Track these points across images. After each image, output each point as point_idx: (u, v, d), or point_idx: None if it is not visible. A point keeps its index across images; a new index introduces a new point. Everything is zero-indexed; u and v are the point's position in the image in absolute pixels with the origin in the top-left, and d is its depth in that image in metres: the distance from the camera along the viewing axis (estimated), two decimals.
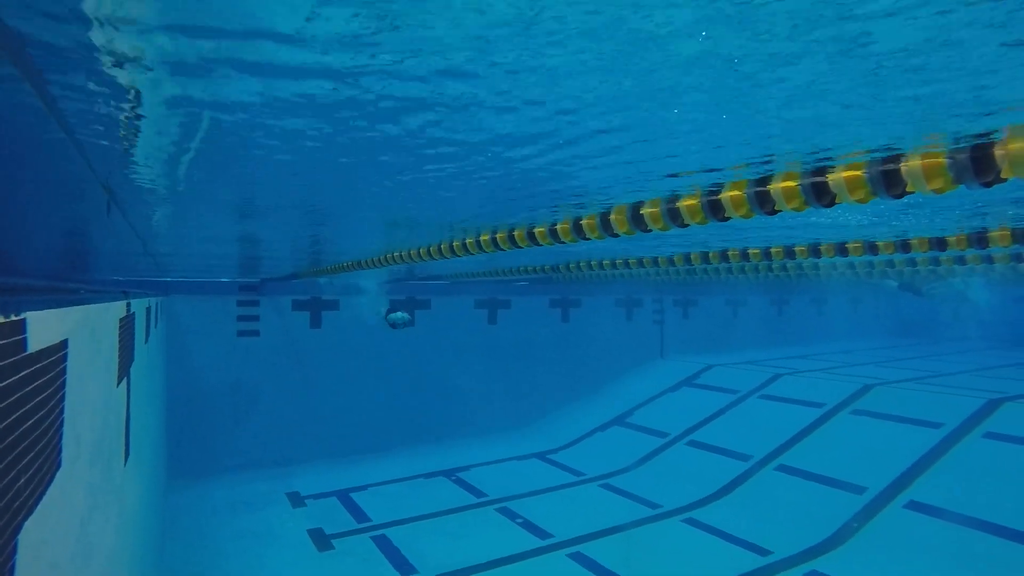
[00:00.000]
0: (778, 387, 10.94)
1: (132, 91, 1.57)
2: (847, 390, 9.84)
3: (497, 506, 8.19)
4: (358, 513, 8.01)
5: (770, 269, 6.37)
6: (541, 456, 10.57)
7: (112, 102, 1.66)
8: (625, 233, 3.41)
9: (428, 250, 5.04)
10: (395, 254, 5.58)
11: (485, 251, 4.60)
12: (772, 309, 17.49)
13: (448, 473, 9.68)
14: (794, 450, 8.70)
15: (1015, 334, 16.35)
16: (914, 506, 6.80)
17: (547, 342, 13.05)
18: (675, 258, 6.10)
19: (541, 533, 7.20)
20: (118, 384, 3.08)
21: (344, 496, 8.67)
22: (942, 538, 6.21)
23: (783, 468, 8.37)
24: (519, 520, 7.66)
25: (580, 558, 6.54)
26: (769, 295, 16.84)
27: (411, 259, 5.46)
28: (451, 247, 4.77)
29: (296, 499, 8.52)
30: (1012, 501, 6.32)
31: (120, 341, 3.11)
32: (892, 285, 11.99)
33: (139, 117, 1.80)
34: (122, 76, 1.46)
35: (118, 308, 3.14)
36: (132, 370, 3.74)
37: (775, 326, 17.18)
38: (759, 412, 10.32)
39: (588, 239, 3.62)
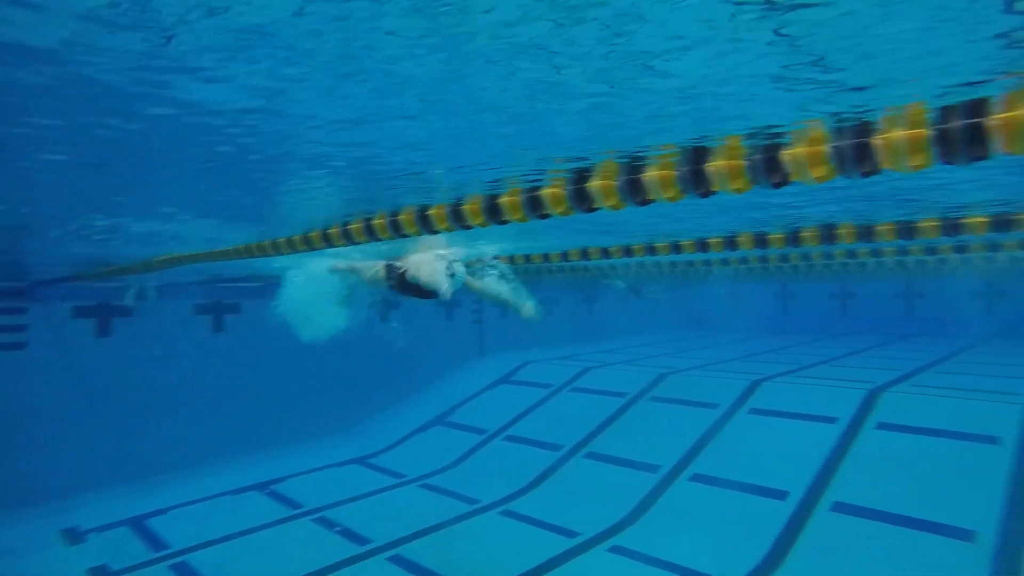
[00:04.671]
0: (587, 380, 11.76)
1: None
2: (646, 379, 10.86)
3: (314, 516, 7.90)
4: (154, 541, 7.26)
5: (573, 270, 6.90)
6: (361, 461, 10.36)
7: None
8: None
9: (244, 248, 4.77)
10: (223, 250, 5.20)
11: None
12: (583, 307, 18.73)
13: (261, 487, 9.13)
14: (600, 437, 9.42)
15: (773, 324, 19.24)
16: (696, 478, 7.72)
17: (365, 343, 12.80)
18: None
19: (360, 540, 7.08)
20: None
21: (137, 524, 7.80)
22: (719, 503, 7.13)
23: (591, 455, 9.03)
24: (337, 529, 7.46)
25: (399, 561, 6.53)
26: (580, 293, 18.04)
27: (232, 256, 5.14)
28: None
29: (74, 535, 7.49)
30: (770, 465, 7.45)
31: None
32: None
33: None
34: None
35: None
36: None
37: (586, 323, 18.40)
38: (570, 404, 11.02)
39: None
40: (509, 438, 10.26)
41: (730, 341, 16.68)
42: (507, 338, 15.67)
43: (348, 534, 7.28)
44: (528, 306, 6.36)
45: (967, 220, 5.09)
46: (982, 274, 14.38)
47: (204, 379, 10.52)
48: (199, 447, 10.03)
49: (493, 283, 6.60)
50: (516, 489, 8.37)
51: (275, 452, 10.61)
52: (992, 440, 6.80)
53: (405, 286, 5.92)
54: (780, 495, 6.90)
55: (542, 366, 13.11)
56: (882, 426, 7.73)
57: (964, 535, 5.66)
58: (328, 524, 7.62)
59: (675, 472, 7.89)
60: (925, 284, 17.42)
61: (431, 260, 5.79)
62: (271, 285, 10.81)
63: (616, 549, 6.59)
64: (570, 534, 6.91)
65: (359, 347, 12.53)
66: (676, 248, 6.41)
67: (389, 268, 6.18)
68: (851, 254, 9.08)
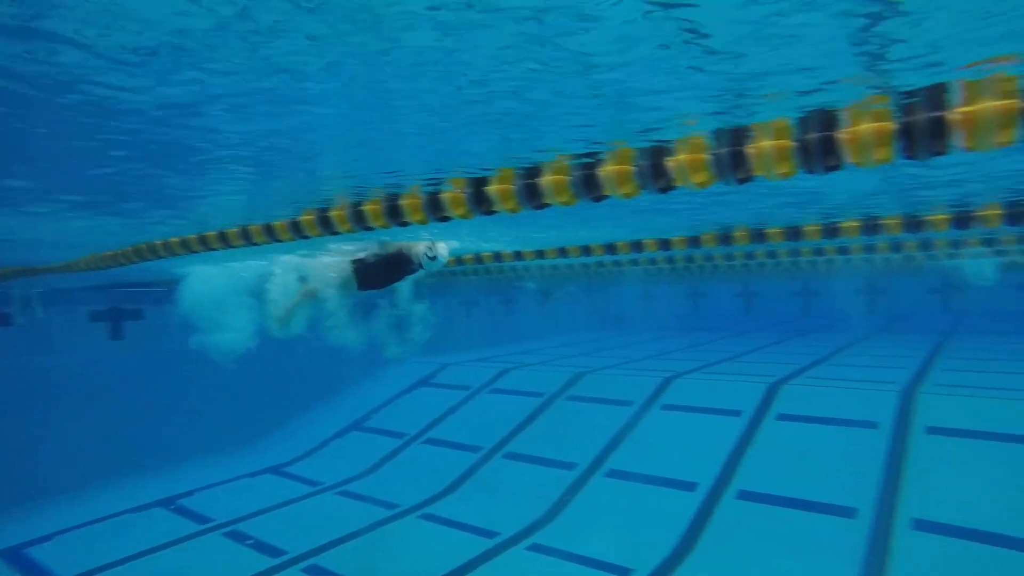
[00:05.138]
0: (506, 381, 11.87)
1: None
2: (563, 379, 11.08)
3: (225, 530, 7.57)
4: (36, 571, 6.75)
5: (489, 272, 7.01)
6: (275, 470, 10.02)
7: None
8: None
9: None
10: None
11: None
12: (501, 308, 18.87)
13: (166, 503, 8.66)
14: (519, 437, 9.54)
15: (685, 323, 20.11)
16: (612, 474, 7.96)
17: (278, 349, 12.40)
18: None
19: (273, 552, 6.85)
20: None
21: (15, 554, 7.21)
22: (633, 497, 7.38)
23: (510, 455, 9.12)
24: (249, 542, 7.19)
25: (316, 571, 6.38)
26: (498, 295, 18.17)
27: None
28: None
29: None
30: (680, 458, 7.79)
31: None
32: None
33: None
34: None
35: None
36: None
37: (505, 324, 18.56)
38: (489, 405, 11.09)
39: None
40: (429, 441, 10.21)
41: (644, 340, 17.27)
42: (426, 340, 15.53)
43: (261, 546, 7.03)
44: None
45: (845, 224, 5.56)
46: (865, 274, 15.63)
47: (99, 390, 9.87)
48: (95, 464, 9.39)
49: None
50: (436, 492, 8.35)
51: (182, 466, 10.09)
52: (872, 425, 7.41)
53: (377, 272, 5.95)
54: (690, 486, 7.23)
55: (461, 368, 13.12)
56: (781, 417, 8.25)
57: (848, 512, 6.15)
58: (239, 537, 7.33)
59: (591, 469, 8.11)
60: (820, 283, 18.72)
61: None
62: (174, 290, 10.31)
63: (535, 547, 6.70)
64: (489, 534, 6.97)
65: (271, 353, 12.13)
66: (586, 251, 6.64)
67: (357, 263, 6.14)
68: (751, 255, 9.66)
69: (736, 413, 8.42)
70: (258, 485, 9.34)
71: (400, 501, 8.15)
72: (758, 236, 6.06)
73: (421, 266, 5.98)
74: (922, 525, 5.88)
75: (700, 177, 2.63)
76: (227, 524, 7.74)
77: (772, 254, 9.40)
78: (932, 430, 7.19)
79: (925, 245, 8.75)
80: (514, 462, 8.90)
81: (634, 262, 9.98)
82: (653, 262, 10.12)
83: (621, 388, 10.05)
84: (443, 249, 5.95)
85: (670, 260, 9.98)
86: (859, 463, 6.90)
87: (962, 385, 8.85)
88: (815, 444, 7.46)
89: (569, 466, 8.27)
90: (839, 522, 6.13)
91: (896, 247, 9.01)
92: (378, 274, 6.33)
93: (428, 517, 7.63)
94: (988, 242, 8.65)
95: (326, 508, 8.26)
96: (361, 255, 6.35)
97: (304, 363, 12.58)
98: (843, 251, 8.78)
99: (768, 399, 8.65)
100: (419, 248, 5.93)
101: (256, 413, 11.44)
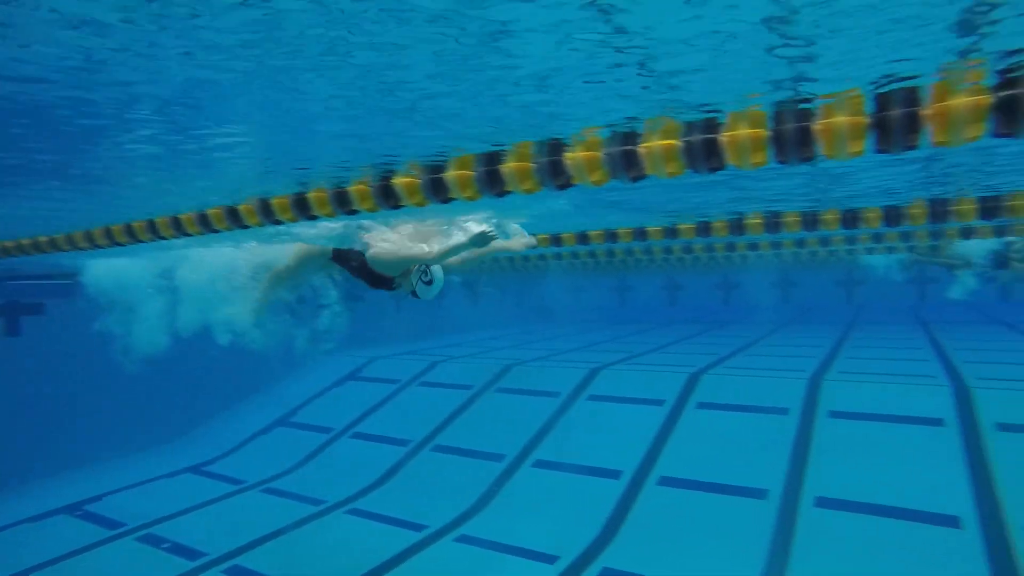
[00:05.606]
0: (435, 374, 11.85)
1: None
2: (492, 371, 11.16)
3: (139, 535, 7.25)
4: None
5: None
6: (195, 470, 9.65)
7: None
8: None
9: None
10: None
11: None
12: (433, 302, 18.75)
13: (71, 508, 8.20)
14: (447, 430, 9.56)
15: (611, 315, 20.63)
16: (539, 464, 8.11)
17: (197, 343, 11.92)
18: None
19: (192, 554, 6.62)
20: None
21: None
22: (560, 486, 7.55)
23: (438, 448, 9.13)
24: (166, 545, 6.91)
25: (237, 571, 6.21)
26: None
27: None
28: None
29: None
30: (606, 447, 8.02)
31: None
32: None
33: None
34: None
35: None
36: None
37: (436, 316, 18.48)
38: (418, 399, 11.05)
39: None
40: (356, 436, 10.09)
41: (572, 332, 17.60)
42: (354, 334, 15.29)
43: (179, 550, 6.77)
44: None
45: (750, 220, 5.88)
46: (778, 267, 16.50)
47: None
48: None
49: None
50: (363, 487, 8.26)
51: (91, 469, 9.57)
52: (783, 411, 7.86)
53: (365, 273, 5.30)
54: (614, 474, 7.45)
55: (390, 362, 12.99)
56: (701, 405, 8.61)
57: (759, 494, 6.52)
58: (155, 541, 7.03)
59: (519, 459, 8.23)
60: (738, 276, 19.59)
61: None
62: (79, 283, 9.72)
63: (463, 538, 6.76)
64: (417, 527, 6.98)
65: (190, 348, 11.66)
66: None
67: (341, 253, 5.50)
68: (669, 250, 10.02)
69: (659, 402, 8.74)
70: (176, 486, 8.97)
71: (326, 497, 8.02)
72: (672, 232, 6.35)
73: (415, 294, 5.21)
74: (824, 502, 6.30)
75: (596, 176, 2.77)
76: (140, 528, 7.41)
77: (689, 249, 9.78)
78: (835, 414, 7.69)
79: (826, 241, 9.35)
80: (443, 455, 8.92)
81: (558, 256, 10.17)
82: (576, 256, 10.35)
83: (548, 380, 10.23)
84: (438, 272, 5.16)
85: (592, 255, 10.24)
86: (770, 447, 7.31)
87: (862, 372, 9.51)
88: (731, 430, 7.84)
89: (497, 457, 8.36)
90: (751, 503, 6.49)
91: (802, 243, 9.57)
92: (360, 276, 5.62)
93: (355, 512, 7.55)
94: (878, 238, 9.33)
95: (249, 507, 8.04)
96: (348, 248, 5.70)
97: (227, 358, 12.14)
98: (753, 246, 9.27)
99: (688, 388, 9.01)
100: (410, 272, 5.03)
101: (174, 412, 10.96)
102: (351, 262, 5.50)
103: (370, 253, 5.23)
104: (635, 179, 2.93)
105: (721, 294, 20.14)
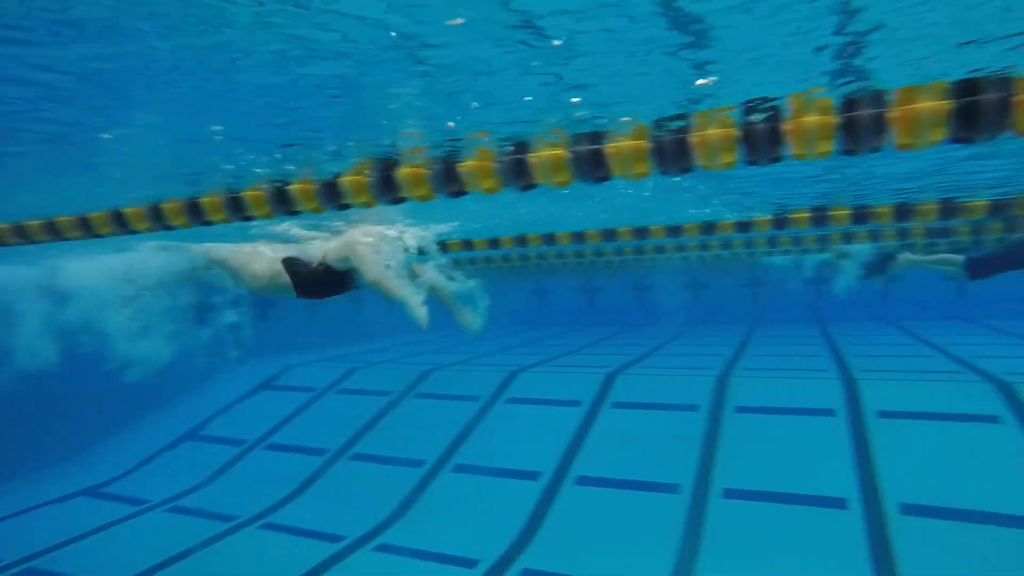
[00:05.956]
0: (354, 381, 11.63)
1: None
2: (410, 377, 11.07)
3: (18, 569, 6.69)
4: None
5: None
6: (91, 492, 9.02)
7: None
8: None
9: None
10: None
11: None
12: (351, 306, 18.37)
13: None
14: (366, 438, 9.40)
15: (531, 318, 20.88)
16: (459, 468, 8.11)
17: (92, 354, 11.16)
18: None
19: None
20: None
21: None
22: (480, 490, 7.58)
23: (357, 456, 8.97)
24: None
25: None
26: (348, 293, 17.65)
27: None
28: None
29: None
30: (524, 449, 8.12)
31: None
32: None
33: None
34: None
35: None
36: None
37: (354, 323, 18.08)
38: (336, 406, 10.81)
39: None
40: (271, 447, 9.74)
41: (492, 335, 17.67)
42: (268, 342, 14.75)
43: None
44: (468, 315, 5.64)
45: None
46: (688, 269, 17.27)
47: None
48: None
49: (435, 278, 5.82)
50: (277, 499, 8.00)
51: None
52: (693, 408, 8.23)
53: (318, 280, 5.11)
54: (533, 476, 7.56)
55: (307, 369, 12.64)
56: (616, 405, 8.87)
57: (672, 489, 6.80)
58: (42, 575, 6.53)
59: (439, 465, 8.20)
60: (651, 279, 20.29)
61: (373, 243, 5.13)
62: None
63: (382, 547, 6.67)
64: (335, 539, 6.82)
65: (84, 359, 10.89)
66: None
67: (293, 262, 5.23)
68: (596, 252, 10.32)
69: (576, 403, 8.94)
70: (68, 511, 8.36)
71: (238, 512, 7.71)
72: (583, 237, 6.60)
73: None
74: (732, 493, 6.64)
75: (489, 183, 2.90)
76: (22, 562, 6.85)
77: (600, 252, 10.09)
78: (740, 409, 8.12)
79: (728, 244, 9.91)
80: (361, 463, 8.77)
81: (472, 260, 10.25)
82: (490, 260, 10.47)
83: (468, 384, 10.25)
84: (411, 240, 5.18)
85: (506, 259, 10.40)
86: (682, 443, 7.63)
87: (765, 368, 10.09)
88: (645, 428, 8.13)
89: (417, 463, 8.30)
90: (664, 498, 6.75)
91: (706, 246, 10.10)
92: (318, 287, 5.50)
93: (269, 527, 7.30)
94: (785, 240, 9.97)
95: (154, 528, 7.61)
96: (297, 255, 5.44)
97: (128, 371, 11.42)
98: (660, 250, 9.71)
99: (605, 389, 9.27)
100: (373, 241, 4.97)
101: (66, 430, 10.20)
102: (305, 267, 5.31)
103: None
104: (525, 189, 3.05)
105: (636, 296, 20.79)
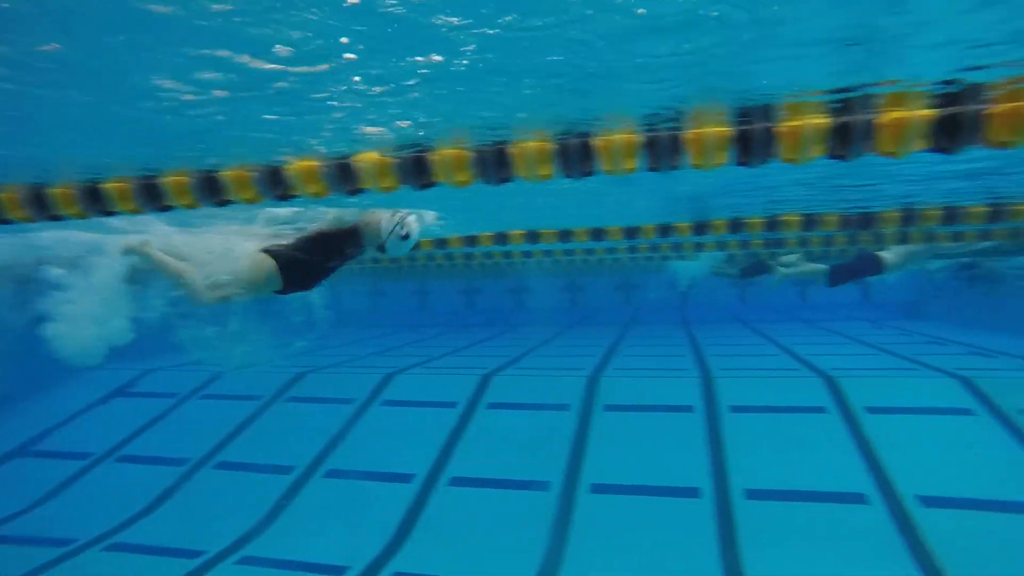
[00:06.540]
0: (219, 386, 11.00)
1: None
2: (282, 380, 10.64)
3: None
4: None
5: None
6: None
7: None
8: None
9: None
10: None
11: None
12: (219, 307, 17.32)
13: None
14: (232, 445, 8.93)
15: (411, 319, 20.73)
16: (331, 474, 7.91)
17: None
18: None
19: None
20: None
21: None
22: (353, 495, 7.43)
23: (221, 465, 8.49)
24: None
25: None
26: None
27: None
28: None
29: None
30: (399, 451, 8.05)
31: None
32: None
33: None
34: None
35: None
36: None
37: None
38: (200, 413, 10.18)
39: None
40: (123, 459, 8.98)
41: (371, 337, 17.36)
42: (123, 346, 13.51)
43: None
44: None
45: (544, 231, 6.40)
46: (564, 273, 17.92)
47: None
48: None
49: None
50: (128, 516, 7.39)
51: None
52: (565, 407, 8.54)
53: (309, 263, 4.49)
54: (406, 478, 7.52)
55: (167, 374, 11.78)
56: (491, 405, 9.02)
57: (542, 486, 7.02)
58: None
59: (310, 471, 7.95)
60: (529, 281, 20.78)
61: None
62: None
63: (245, 560, 6.36)
64: (193, 554, 6.42)
65: None
66: None
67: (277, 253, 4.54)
68: (470, 256, 10.41)
69: (452, 405, 8.99)
70: None
71: (78, 535, 7.03)
72: (471, 240, 6.68)
73: (383, 248, 4.59)
74: (599, 488, 6.97)
75: (389, 182, 2.93)
76: None
77: (489, 255, 10.23)
78: (608, 407, 8.54)
79: (607, 250, 10.41)
80: (226, 472, 8.31)
81: (359, 262, 10.07)
82: (377, 261, 10.33)
83: (343, 386, 10.02)
84: (414, 224, 4.58)
85: (394, 260, 10.30)
86: (553, 442, 7.90)
87: (634, 368, 10.67)
88: (518, 428, 8.33)
89: (286, 470, 7.99)
90: (534, 495, 6.95)
91: (586, 251, 10.54)
92: (310, 265, 4.79)
93: (114, 547, 6.72)
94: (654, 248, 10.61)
95: None
96: (278, 241, 4.80)
97: None
98: (528, 254, 10.05)
99: (480, 390, 9.39)
100: (380, 220, 4.45)
101: None
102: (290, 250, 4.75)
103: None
104: (426, 186, 3.07)
105: (514, 298, 21.21)
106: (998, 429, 7.19)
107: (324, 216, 4.91)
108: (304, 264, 4.86)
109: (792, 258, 11.22)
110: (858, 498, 6.33)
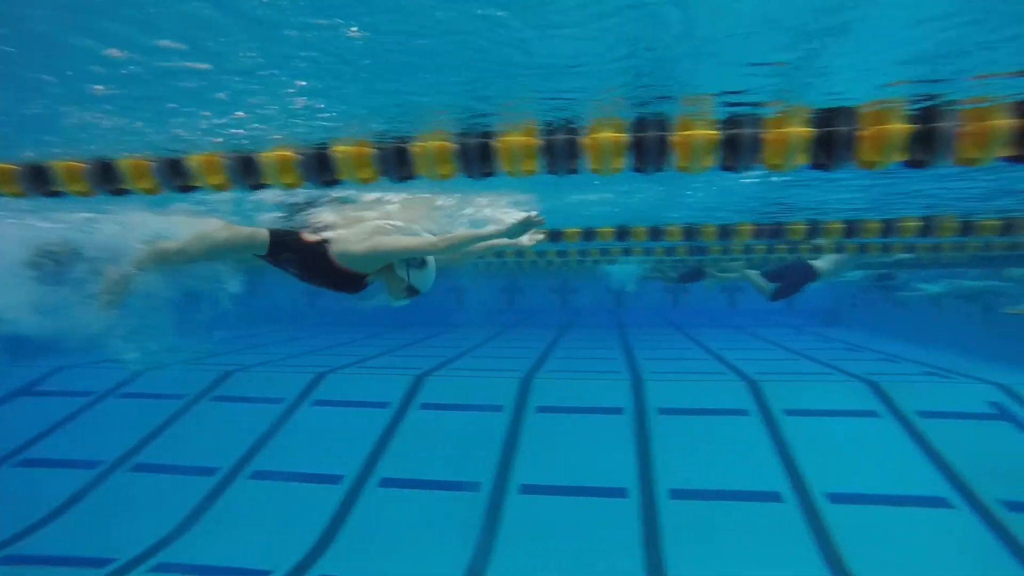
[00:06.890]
0: (139, 384, 10.49)
1: None
2: (208, 379, 10.26)
3: None
4: None
5: None
6: None
7: None
8: None
9: None
10: None
11: None
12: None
13: None
14: (151, 446, 8.54)
15: (346, 318, 20.34)
16: (257, 475, 7.68)
17: None
18: None
19: None
20: None
21: None
22: (279, 497, 7.24)
23: (139, 467, 8.12)
24: None
25: None
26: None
27: None
28: None
29: None
30: (328, 452, 7.91)
31: None
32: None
33: None
34: None
35: None
36: None
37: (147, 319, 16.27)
38: (116, 413, 9.69)
39: None
40: (26, 462, 8.44)
41: (303, 336, 16.96)
42: (37, 343, 12.72)
43: None
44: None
45: None
46: (504, 274, 17.98)
47: None
48: None
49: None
50: (26, 525, 6.92)
51: None
52: (498, 408, 8.58)
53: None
54: (335, 479, 7.39)
55: (80, 371, 11.14)
56: (424, 406, 8.97)
57: (472, 487, 7.04)
58: None
59: (234, 472, 7.69)
60: (469, 281, 20.77)
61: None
62: None
63: (160, 567, 6.10)
64: (100, 563, 6.10)
65: None
66: None
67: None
68: None
69: (384, 405, 8.89)
70: None
71: None
72: None
73: (411, 289, 4.15)
74: (528, 488, 7.04)
75: (290, 179, 2.91)
76: None
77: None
78: (541, 408, 8.63)
79: (543, 253, 10.49)
80: (143, 474, 7.94)
81: None
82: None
83: (273, 386, 9.75)
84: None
85: None
86: (484, 442, 7.92)
87: (567, 370, 10.82)
88: (450, 429, 8.31)
89: (209, 472, 7.71)
90: (464, 496, 6.96)
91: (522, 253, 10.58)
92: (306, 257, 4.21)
93: (8, 560, 6.29)
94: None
95: None
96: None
97: None
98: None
99: (414, 390, 9.32)
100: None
101: None
102: (289, 252, 4.23)
103: (343, 248, 4.06)
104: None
105: (454, 298, 21.16)
106: (898, 430, 7.70)
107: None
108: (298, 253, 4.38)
109: (736, 265, 11.52)
110: (774, 496, 6.63)
